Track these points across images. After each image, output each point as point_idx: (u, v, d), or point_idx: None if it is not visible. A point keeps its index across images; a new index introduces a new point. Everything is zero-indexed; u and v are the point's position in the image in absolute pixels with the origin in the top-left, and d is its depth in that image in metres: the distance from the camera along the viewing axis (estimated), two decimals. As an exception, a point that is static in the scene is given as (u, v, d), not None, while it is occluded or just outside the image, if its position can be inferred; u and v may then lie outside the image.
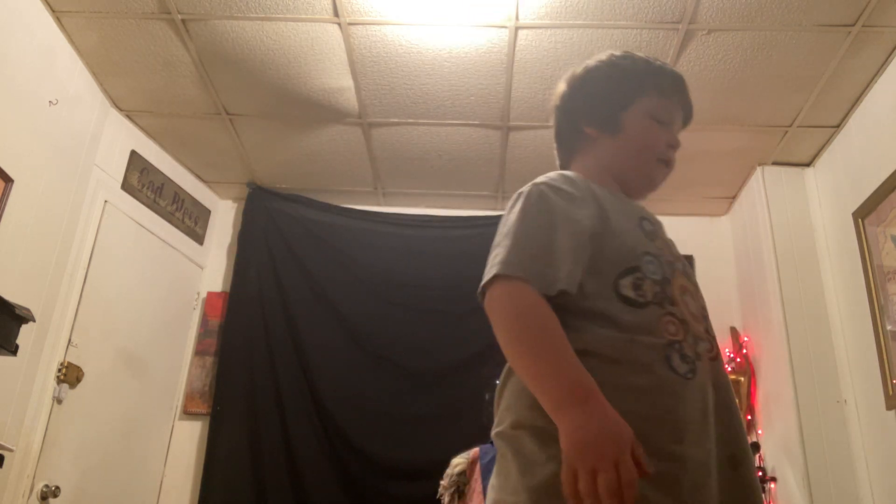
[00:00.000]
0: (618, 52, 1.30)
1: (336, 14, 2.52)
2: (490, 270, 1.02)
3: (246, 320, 3.44)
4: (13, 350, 2.09)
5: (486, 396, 3.31)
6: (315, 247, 3.58)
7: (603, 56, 1.30)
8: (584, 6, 2.44)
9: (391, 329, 3.43)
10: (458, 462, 2.37)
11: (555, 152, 1.34)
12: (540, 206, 1.08)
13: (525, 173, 3.43)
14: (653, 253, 1.10)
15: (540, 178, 1.14)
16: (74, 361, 2.77)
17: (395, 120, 3.10)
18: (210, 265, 3.71)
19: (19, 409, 2.53)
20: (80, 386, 2.79)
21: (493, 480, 1.05)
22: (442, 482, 2.40)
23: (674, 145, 1.25)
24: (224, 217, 3.82)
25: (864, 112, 2.80)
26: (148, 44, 2.70)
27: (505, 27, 2.55)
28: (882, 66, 2.63)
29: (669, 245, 1.17)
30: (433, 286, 3.50)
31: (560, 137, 1.32)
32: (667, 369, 0.99)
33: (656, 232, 1.16)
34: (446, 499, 2.36)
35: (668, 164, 1.25)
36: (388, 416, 3.29)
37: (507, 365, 1.07)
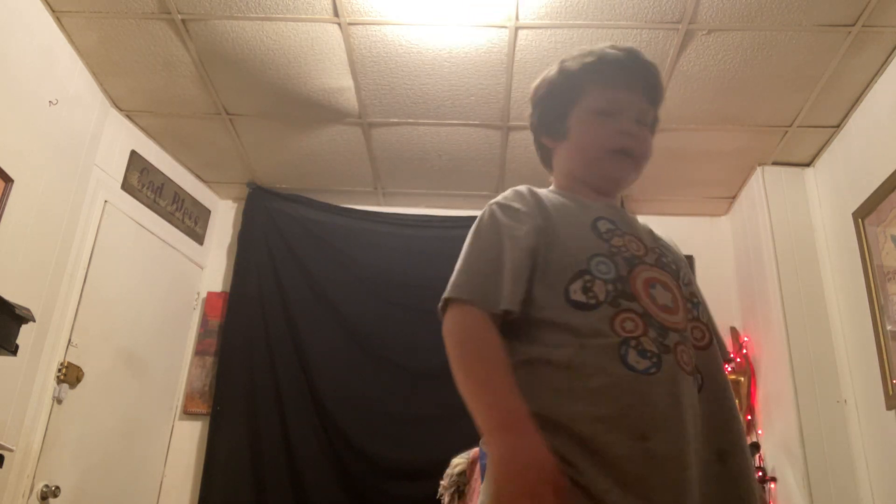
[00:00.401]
0: (569, 56, 1.29)
1: (336, 14, 2.52)
2: (445, 292, 1.07)
3: (246, 320, 3.44)
4: (13, 350, 2.09)
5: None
6: (315, 247, 3.58)
7: (555, 65, 1.30)
8: (584, 6, 2.44)
9: (391, 329, 3.43)
10: (458, 462, 2.37)
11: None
12: (489, 226, 1.12)
13: (525, 173, 3.44)
14: (604, 253, 1.09)
15: (496, 199, 1.18)
16: (74, 361, 2.77)
17: (395, 120, 3.10)
18: (210, 265, 3.71)
19: (19, 409, 2.53)
20: (80, 386, 2.79)
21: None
22: (442, 482, 2.39)
23: (626, 131, 1.21)
24: (224, 217, 3.82)
25: (864, 112, 2.80)
26: (148, 44, 2.70)
27: (505, 27, 2.55)
28: (882, 66, 2.63)
29: (641, 237, 1.15)
30: (433, 286, 3.42)
31: (537, 151, 1.36)
32: (622, 368, 0.98)
33: (616, 228, 1.14)
34: (446, 499, 2.36)
35: (625, 152, 1.22)
36: (388, 416, 3.29)
37: None
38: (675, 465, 0.94)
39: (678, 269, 1.16)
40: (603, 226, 1.14)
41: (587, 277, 1.05)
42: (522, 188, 1.19)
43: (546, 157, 1.34)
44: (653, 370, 0.99)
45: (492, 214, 1.14)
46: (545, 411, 0.96)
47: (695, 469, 0.95)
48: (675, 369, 1.00)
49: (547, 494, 0.85)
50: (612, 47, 1.26)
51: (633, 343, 1.00)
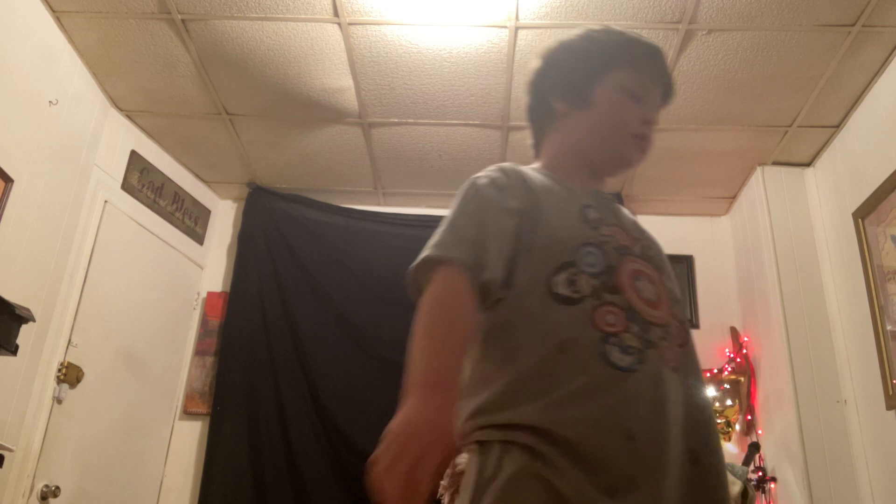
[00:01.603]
0: (595, 26, 1.24)
1: (336, 14, 2.52)
2: (423, 251, 1.01)
3: (246, 320, 3.44)
4: (13, 350, 2.09)
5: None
6: (315, 247, 3.58)
7: (579, 30, 1.24)
8: (584, 6, 2.44)
9: (391, 329, 3.43)
10: (458, 462, 2.37)
11: (528, 131, 1.30)
12: (474, 199, 1.07)
13: (525, 173, 3.44)
14: (593, 242, 1.04)
15: (478, 173, 1.12)
16: (74, 361, 2.77)
17: (395, 120, 3.10)
18: (210, 265, 3.71)
19: (19, 409, 2.53)
20: (80, 386, 2.79)
21: (464, 479, 1.03)
22: (442, 482, 2.39)
23: (649, 121, 1.19)
24: (224, 217, 3.82)
25: (864, 112, 2.80)
26: (148, 44, 2.70)
27: (505, 27, 2.55)
28: (882, 66, 2.63)
29: (627, 228, 1.12)
30: (433, 286, 3.49)
31: (531, 114, 1.27)
32: (604, 365, 0.94)
33: (604, 218, 1.10)
34: (446, 499, 2.35)
35: (643, 140, 1.18)
36: (389, 416, 3.23)
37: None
38: (659, 466, 0.91)
39: (662, 263, 1.13)
40: (591, 214, 1.09)
41: (573, 270, 1.01)
42: (507, 165, 1.14)
43: (546, 122, 1.25)
44: (635, 366, 0.95)
45: (476, 187, 1.08)
46: (524, 418, 0.92)
47: (674, 470, 0.92)
48: (658, 365, 0.97)
49: (435, 453, 0.83)
50: (639, 36, 1.22)
51: (613, 340, 0.96)
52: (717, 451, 1.00)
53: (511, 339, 1.00)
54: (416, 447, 0.83)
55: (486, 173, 1.11)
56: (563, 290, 0.99)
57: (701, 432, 0.99)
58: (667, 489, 0.90)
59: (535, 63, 1.27)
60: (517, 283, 1.01)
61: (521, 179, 1.11)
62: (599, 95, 1.17)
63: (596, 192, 1.17)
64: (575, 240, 1.04)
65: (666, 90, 1.23)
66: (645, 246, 1.11)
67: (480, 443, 0.96)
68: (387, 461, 0.84)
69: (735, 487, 2.52)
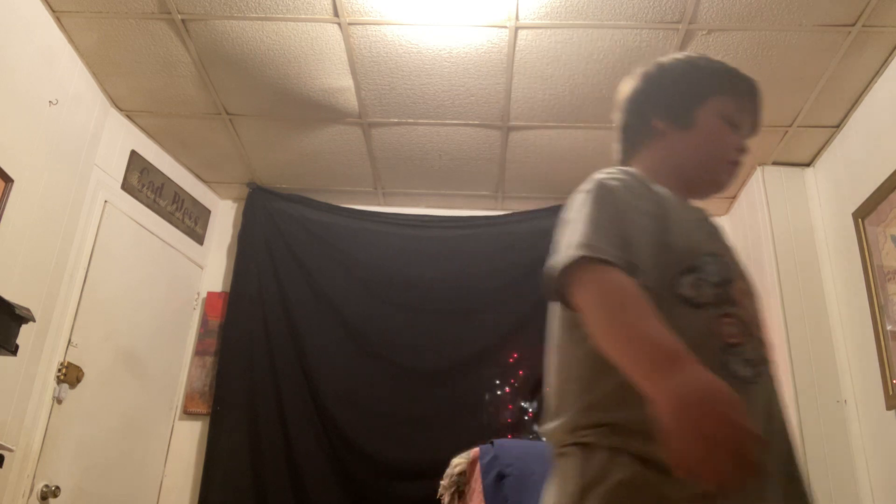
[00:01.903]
0: (693, 53, 1.30)
1: (336, 14, 2.52)
2: (569, 251, 0.96)
3: (246, 320, 3.44)
4: (13, 350, 2.09)
5: (486, 396, 3.32)
6: (315, 247, 3.58)
7: (678, 54, 1.29)
8: (584, 6, 2.44)
9: (391, 329, 3.43)
10: (458, 462, 2.37)
11: (616, 146, 1.31)
12: (609, 198, 1.05)
13: (525, 173, 3.44)
14: (713, 253, 1.07)
15: (601, 174, 1.11)
16: (74, 361, 2.77)
17: (395, 120, 3.10)
18: (210, 265, 3.71)
19: (19, 409, 2.53)
20: (80, 386, 2.79)
21: (552, 483, 1.01)
22: (442, 482, 2.39)
23: (743, 149, 1.23)
24: (224, 217, 3.82)
25: (864, 112, 2.80)
26: (148, 44, 2.70)
27: (505, 27, 2.55)
28: (882, 66, 2.63)
29: (730, 248, 1.15)
30: (433, 286, 3.50)
31: (626, 130, 1.29)
32: (724, 374, 0.91)
33: (717, 233, 1.13)
34: (446, 499, 2.35)
35: (736, 166, 1.22)
36: (389, 416, 3.29)
37: (560, 362, 1.04)
38: (769, 479, 0.91)
39: (754, 284, 1.15)
40: (706, 226, 1.12)
41: (697, 276, 1.02)
42: (628, 169, 1.14)
43: (641, 138, 1.26)
44: (754, 380, 0.96)
45: (607, 188, 1.06)
46: (638, 423, 0.88)
47: (779, 482, 0.93)
48: (769, 381, 0.99)
49: (736, 417, 0.76)
50: (738, 69, 1.28)
51: (734, 351, 0.97)
52: (802, 470, 1.03)
53: None
54: (719, 408, 0.77)
55: (612, 175, 1.10)
56: (688, 292, 1.01)
57: (792, 450, 1.01)
58: (772, 501, 0.92)
59: (629, 83, 1.31)
60: (648, 282, 1.00)
61: (647, 184, 1.12)
62: (701, 119, 1.21)
63: (700, 209, 1.18)
64: (698, 247, 1.06)
65: (755, 124, 1.27)
66: (744, 268, 1.14)
67: (581, 445, 0.95)
68: (696, 442, 0.75)
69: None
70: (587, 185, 1.09)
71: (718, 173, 1.22)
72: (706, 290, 1.01)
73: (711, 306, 1.00)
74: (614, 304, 0.91)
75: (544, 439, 1.08)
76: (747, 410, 0.84)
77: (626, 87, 1.31)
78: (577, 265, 0.95)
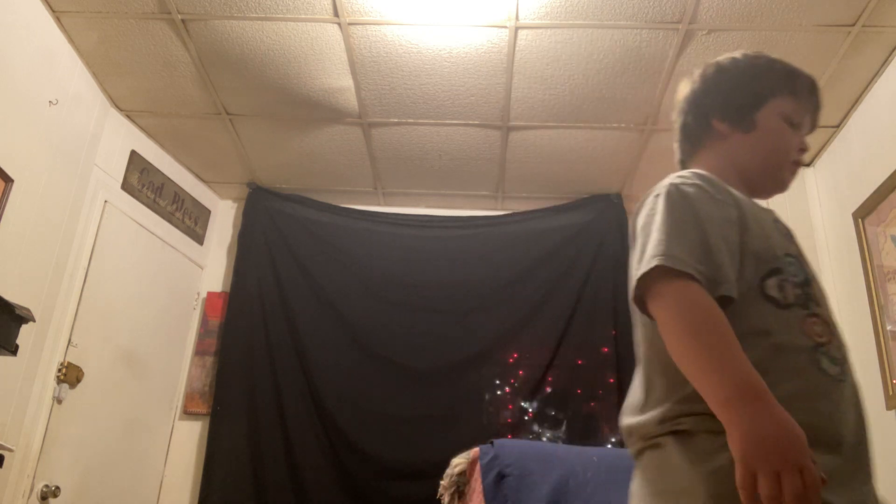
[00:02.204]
0: (750, 52, 1.28)
1: (336, 14, 2.52)
2: (652, 261, 0.97)
3: (246, 320, 3.44)
4: (13, 350, 2.08)
5: (486, 396, 3.32)
6: (315, 247, 3.58)
7: (736, 54, 1.28)
8: (584, 6, 2.44)
9: (391, 329, 3.43)
10: (458, 462, 2.37)
11: (675, 146, 1.32)
12: (686, 205, 1.04)
13: (525, 173, 3.44)
14: (792, 253, 1.08)
15: (674, 179, 1.10)
16: (74, 361, 2.77)
17: (395, 120, 3.10)
18: (210, 265, 3.71)
19: (19, 409, 2.53)
20: (80, 386, 2.79)
21: (645, 476, 1.01)
22: (442, 482, 2.39)
23: (804, 149, 1.24)
24: (224, 217, 3.82)
25: (864, 112, 2.80)
26: (148, 44, 2.70)
27: (505, 27, 2.55)
28: (882, 66, 2.63)
29: (801, 249, 1.15)
30: (433, 286, 3.50)
31: (686, 131, 1.29)
32: (817, 371, 0.95)
33: (790, 234, 1.13)
34: (446, 499, 2.35)
35: (797, 165, 1.23)
36: (388, 416, 3.29)
37: (648, 357, 1.04)
38: (861, 473, 0.93)
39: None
40: (781, 227, 1.13)
41: (781, 277, 1.03)
42: (703, 172, 1.13)
43: (701, 139, 1.26)
44: (841, 377, 0.97)
45: (684, 194, 1.06)
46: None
47: (869, 478, 0.95)
48: (854, 379, 1.00)
49: (812, 467, 0.80)
50: (799, 67, 1.26)
51: (823, 349, 0.98)
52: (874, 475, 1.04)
53: None
54: (789, 461, 0.80)
55: (687, 180, 1.09)
56: (775, 294, 1.01)
57: (871, 450, 1.03)
58: (864, 495, 0.93)
59: (688, 84, 1.31)
60: (732, 292, 1.00)
61: (723, 188, 1.11)
62: (762, 121, 1.22)
63: (770, 210, 1.18)
64: (779, 248, 1.07)
65: (815, 121, 1.27)
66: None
67: (677, 433, 0.96)
68: (766, 479, 0.80)
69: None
70: (660, 190, 1.09)
71: (782, 174, 1.23)
72: (791, 291, 1.02)
73: (797, 307, 1.01)
74: (694, 324, 0.93)
75: (625, 434, 1.07)
76: (839, 408, 0.92)
77: (684, 87, 1.32)
78: (654, 275, 0.97)
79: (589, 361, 3.29)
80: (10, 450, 2.28)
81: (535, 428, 3.21)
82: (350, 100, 2.98)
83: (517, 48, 2.64)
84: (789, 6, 2.39)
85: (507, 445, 2.33)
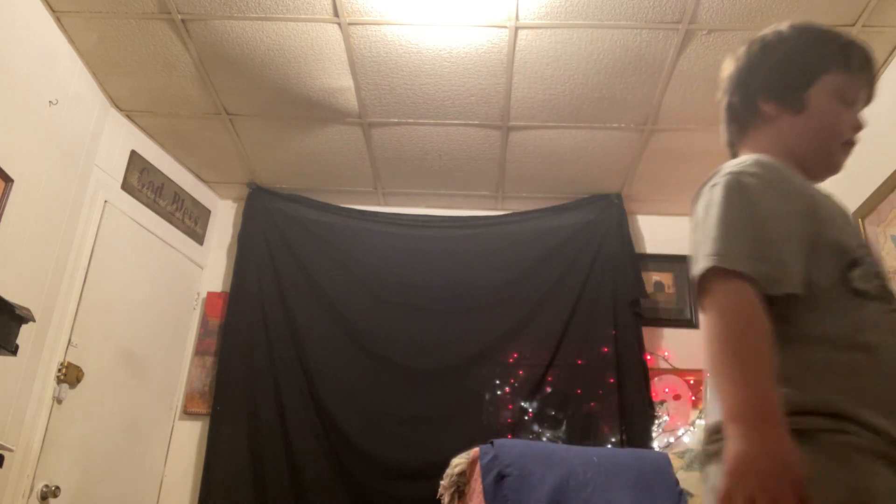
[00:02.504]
0: (799, 23, 1.19)
1: (336, 14, 2.52)
2: (706, 261, 0.95)
3: (246, 320, 3.44)
4: (13, 350, 2.09)
5: (487, 396, 3.32)
6: (315, 247, 3.58)
7: (783, 26, 1.19)
8: (584, 6, 2.44)
9: (391, 329, 3.43)
10: (458, 462, 2.37)
11: (722, 126, 1.24)
12: (745, 198, 0.99)
13: (525, 173, 3.44)
14: (865, 244, 1.03)
15: (733, 167, 1.04)
16: (74, 361, 2.77)
17: (395, 120, 3.10)
18: (210, 265, 3.71)
19: (19, 409, 2.53)
20: (80, 386, 2.79)
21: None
22: (442, 482, 2.39)
23: (858, 127, 1.16)
24: (224, 217, 3.82)
25: (863, 112, 2.80)
26: (148, 44, 2.70)
27: (505, 27, 2.55)
28: (882, 66, 2.63)
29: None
30: (433, 286, 3.50)
31: (732, 112, 1.22)
32: None
33: (855, 224, 1.11)
34: (446, 499, 2.35)
35: (851, 145, 1.16)
36: (388, 416, 3.29)
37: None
38: None
39: None
40: (848, 216, 1.08)
41: (864, 268, 0.98)
42: (762, 158, 1.05)
43: (748, 121, 1.19)
44: None
45: (742, 186, 1.00)
46: (826, 405, 0.89)
47: None
48: None
49: (786, 496, 0.80)
50: (853, 37, 1.17)
51: None
52: None
53: (805, 330, 0.96)
54: (774, 485, 0.80)
55: (746, 169, 1.03)
56: (862, 286, 0.97)
57: None
58: None
59: (733, 61, 1.23)
60: (815, 282, 0.97)
61: (787, 175, 1.05)
62: (814, 101, 1.14)
63: (831, 196, 1.12)
64: (855, 238, 1.02)
65: (870, 93, 1.21)
66: None
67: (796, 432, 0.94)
68: (744, 500, 0.81)
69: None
70: (717, 180, 1.03)
71: (835, 156, 1.16)
72: (872, 283, 0.98)
73: (878, 300, 0.97)
74: (729, 331, 0.91)
75: (705, 434, 1.05)
76: None
77: (728, 65, 1.23)
78: (709, 274, 0.94)
79: (589, 361, 3.29)
80: (10, 450, 2.28)
81: (535, 428, 3.21)
82: (350, 100, 2.98)
83: (517, 48, 2.64)
84: (789, 6, 2.39)
85: (508, 445, 2.33)
